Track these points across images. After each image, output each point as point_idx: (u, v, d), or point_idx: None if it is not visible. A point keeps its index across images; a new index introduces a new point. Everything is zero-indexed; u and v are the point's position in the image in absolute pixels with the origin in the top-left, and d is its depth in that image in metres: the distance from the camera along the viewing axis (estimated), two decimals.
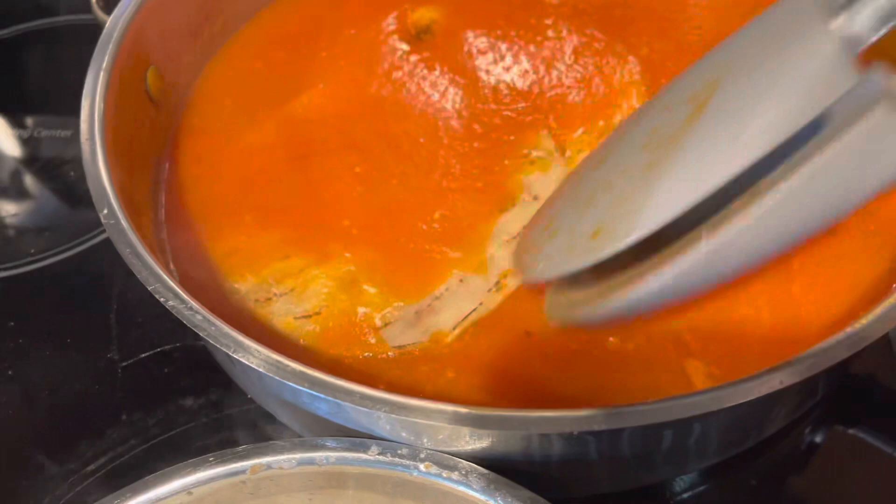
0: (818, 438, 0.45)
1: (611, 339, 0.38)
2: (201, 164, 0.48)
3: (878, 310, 0.32)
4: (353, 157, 0.47)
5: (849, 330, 0.32)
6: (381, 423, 0.34)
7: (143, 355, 0.48)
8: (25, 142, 0.62)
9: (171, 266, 0.44)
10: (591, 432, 0.31)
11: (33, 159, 0.61)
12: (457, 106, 0.49)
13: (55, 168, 0.60)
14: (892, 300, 0.33)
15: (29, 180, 0.60)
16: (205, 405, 0.46)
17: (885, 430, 0.44)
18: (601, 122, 0.48)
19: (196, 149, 0.49)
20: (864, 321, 0.32)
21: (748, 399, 0.30)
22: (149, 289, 0.35)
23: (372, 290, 0.42)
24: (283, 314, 0.41)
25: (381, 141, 0.48)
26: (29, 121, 0.64)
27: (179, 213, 0.46)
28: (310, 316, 0.41)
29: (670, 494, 0.42)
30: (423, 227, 0.44)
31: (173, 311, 0.34)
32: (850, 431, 0.44)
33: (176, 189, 0.47)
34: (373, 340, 0.40)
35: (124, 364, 0.48)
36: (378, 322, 0.41)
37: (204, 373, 0.46)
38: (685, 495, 0.42)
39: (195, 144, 0.49)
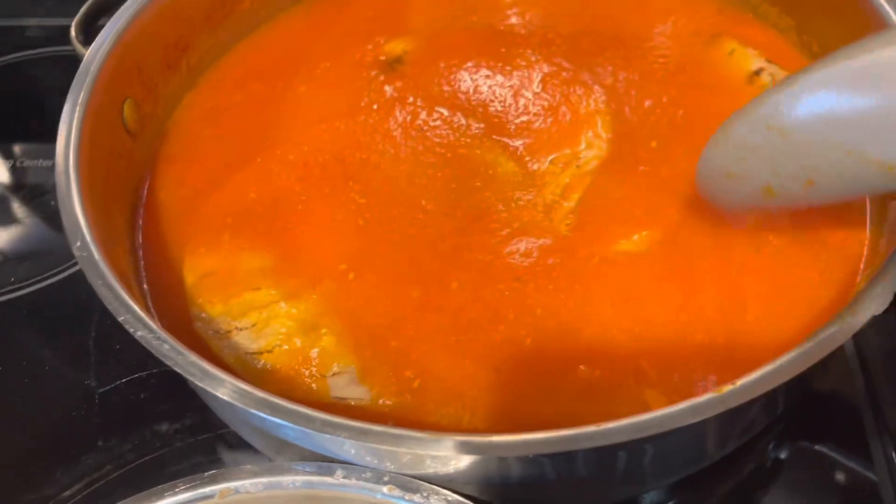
0: (783, 454, 0.46)
1: (581, 367, 0.40)
2: (180, 189, 0.49)
3: (821, 334, 0.33)
4: (329, 193, 0.47)
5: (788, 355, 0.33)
6: (346, 447, 0.35)
7: (121, 381, 0.49)
8: (10, 171, 0.63)
9: (146, 288, 0.44)
10: (546, 454, 0.32)
11: (18, 188, 0.62)
12: (429, 134, 0.50)
13: (37, 197, 0.61)
14: (835, 325, 0.34)
15: (12, 209, 0.61)
16: (180, 430, 0.47)
17: (848, 445, 0.45)
18: (567, 151, 0.49)
19: (176, 174, 0.50)
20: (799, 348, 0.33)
21: (687, 423, 0.31)
22: (119, 319, 0.36)
23: (329, 339, 0.41)
24: (234, 349, 0.42)
25: (357, 174, 0.48)
26: (16, 149, 0.65)
27: (157, 237, 0.47)
28: (261, 353, 0.41)
29: None
30: (396, 288, 0.43)
31: (142, 342, 0.35)
32: (815, 447, 0.45)
33: (154, 214, 0.48)
34: (315, 387, 0.40)
35: (102, 390, 0.49)
36: (325, 370, 0.41)
37: (180, 398, 0.47)
38: None
39: (175, 171, 0.50)
